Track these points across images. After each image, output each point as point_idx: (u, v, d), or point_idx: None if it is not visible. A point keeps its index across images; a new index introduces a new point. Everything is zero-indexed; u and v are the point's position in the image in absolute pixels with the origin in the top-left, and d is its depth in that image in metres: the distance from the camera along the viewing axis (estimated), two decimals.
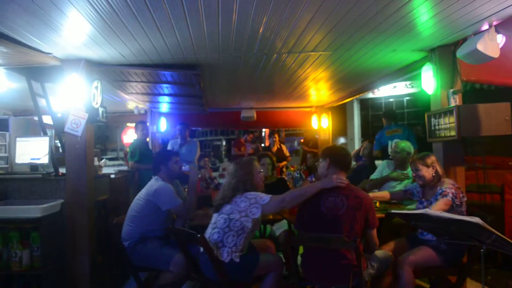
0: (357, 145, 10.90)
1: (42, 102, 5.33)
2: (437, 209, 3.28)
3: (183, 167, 4.13)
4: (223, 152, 27.12)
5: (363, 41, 4.00)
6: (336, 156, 3.30)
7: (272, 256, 3.43)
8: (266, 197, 3.16)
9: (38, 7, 2.85)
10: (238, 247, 3.14)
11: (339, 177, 3.12)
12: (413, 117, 10.60)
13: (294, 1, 2.94)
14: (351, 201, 3.05)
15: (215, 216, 3.33)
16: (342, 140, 12.35)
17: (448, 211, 3.31)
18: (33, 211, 3.69)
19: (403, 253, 3.35)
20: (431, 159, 3.59)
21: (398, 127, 6.37)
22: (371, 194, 3.76)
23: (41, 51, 3.92)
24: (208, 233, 3.28)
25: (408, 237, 3.73)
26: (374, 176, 5.24)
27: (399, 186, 4.68)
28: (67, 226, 4.13)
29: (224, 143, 28.97)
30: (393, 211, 3.36)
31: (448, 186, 3.43)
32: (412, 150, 4.86)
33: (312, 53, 4.36)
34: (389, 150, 5.71)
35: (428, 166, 3.56)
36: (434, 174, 3.55)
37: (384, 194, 4.11)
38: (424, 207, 3.45)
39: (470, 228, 2.21)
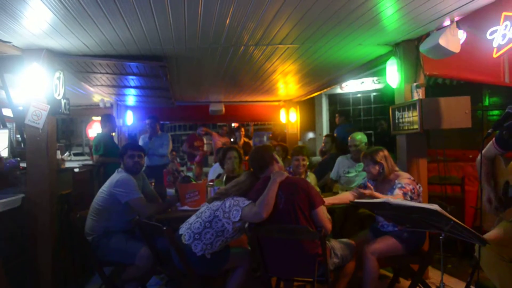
0: None
1: (1, 94, 5.14)
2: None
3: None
4: None
5: (330, 34, 4.04)
6: (250, 158, 3.42)
7: (242, 250, 3.42)
8: (247, 202, 3.10)
9: None
10: (213, 247, 3.11)
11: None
12: (379, 112, 10.84)
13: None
14: (285, 190, 3.06)
15: (204, 207, 3.29)
16: (310, 135, 12.47)
17: None
18: None
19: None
20: (380, 155, 3.62)
21: (352, 126, 6.60)
22: (330, 200, 3.72)
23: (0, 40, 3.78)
24: (192, 220, 3.24)
25: (371, 229, 3.80)
26: (332, 173, 5.34)
27: (358, 180, 4.77)
28: (28, 221, 3.99)
29: None
30: (356, 200, 3.42)
31: (406, 181, 3.46)
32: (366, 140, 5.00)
33: (279, 45, 4.37)
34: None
35: (375, 163, 3.61)
36: (380, 171, 3.60)
37: (344, 196, 3.89)
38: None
39: (429, 215, 2.27)
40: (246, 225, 4.06)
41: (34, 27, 3.51)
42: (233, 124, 11.89)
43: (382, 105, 10.60)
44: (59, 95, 4.22)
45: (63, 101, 4.28)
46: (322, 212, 3.06)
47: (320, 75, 6.36)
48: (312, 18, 3.53)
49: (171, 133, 27.63)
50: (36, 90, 4.05)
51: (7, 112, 5.56)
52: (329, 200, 3.67)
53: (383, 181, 3.62)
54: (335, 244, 3.26)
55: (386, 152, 3.67)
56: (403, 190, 3.37)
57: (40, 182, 4.03)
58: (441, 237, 2.36)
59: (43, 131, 4.06)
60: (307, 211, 3.02)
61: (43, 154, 4.06)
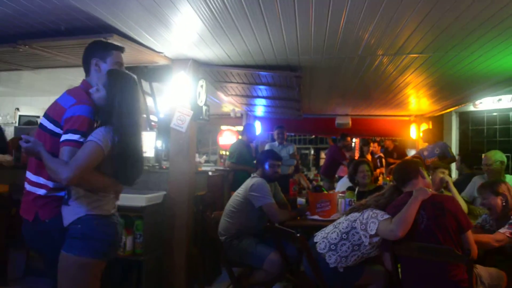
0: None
1: (149, 101, 5.66)
2: (498, 238, 2.99)
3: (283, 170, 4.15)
4: (311, 161, 26.90)
5: (479, 42, 3.70)
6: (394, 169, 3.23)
7: (378, 268, 3.20)
8: (386, 216, 2.91)
9: (155, 3, 2.95)
10: (348, 261, 3.00)
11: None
12: None
13: (404, 6, 2.87)
14: (428, 209, 2.78)
15: (342, 218, 3.23)
16: None
17: None
18: (138, 200, 3.89)
19: None
20: (502, 187, 3.24)
21: None
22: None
23: (154, 50, 4.12)
24: (329, 229, 3.19)
25: None
26: (465, 192, 4.80)
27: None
28: (167, 217, 4.30)
29: (312, 152, 28.71)
30: None
31: None
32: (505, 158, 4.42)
33: (420, 55, 4.12)
34: None
35: (496, 194, 3.23)
36: (503, 203, 3.20)
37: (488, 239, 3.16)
38: None
39: None
40: None
41: (185, 37, 3.77)
42: (354, 140, 11.59)
43: None
44: (201, 101, 4.51)
45: (204, 108, 4.57)
46: (472, 235, 2.77)
47: (456, 90, 5.97)
48: (462, 24, 3.27)
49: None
50: (182, 97, 4.38)
51: (154, 118, 6.12)
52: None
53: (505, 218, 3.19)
54: (483, 272, 2.93)
55: (509, 185, 3.28)
56: None
57: (180, 181, 4.33)
58: None
59: (186, 134, 4.36)
60: (454, 234, 2.73)
61: (184, 156, 4.35)
